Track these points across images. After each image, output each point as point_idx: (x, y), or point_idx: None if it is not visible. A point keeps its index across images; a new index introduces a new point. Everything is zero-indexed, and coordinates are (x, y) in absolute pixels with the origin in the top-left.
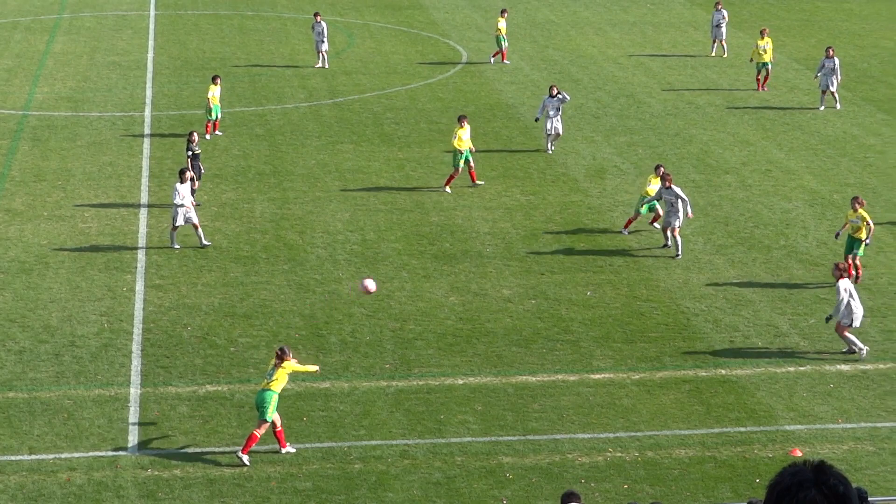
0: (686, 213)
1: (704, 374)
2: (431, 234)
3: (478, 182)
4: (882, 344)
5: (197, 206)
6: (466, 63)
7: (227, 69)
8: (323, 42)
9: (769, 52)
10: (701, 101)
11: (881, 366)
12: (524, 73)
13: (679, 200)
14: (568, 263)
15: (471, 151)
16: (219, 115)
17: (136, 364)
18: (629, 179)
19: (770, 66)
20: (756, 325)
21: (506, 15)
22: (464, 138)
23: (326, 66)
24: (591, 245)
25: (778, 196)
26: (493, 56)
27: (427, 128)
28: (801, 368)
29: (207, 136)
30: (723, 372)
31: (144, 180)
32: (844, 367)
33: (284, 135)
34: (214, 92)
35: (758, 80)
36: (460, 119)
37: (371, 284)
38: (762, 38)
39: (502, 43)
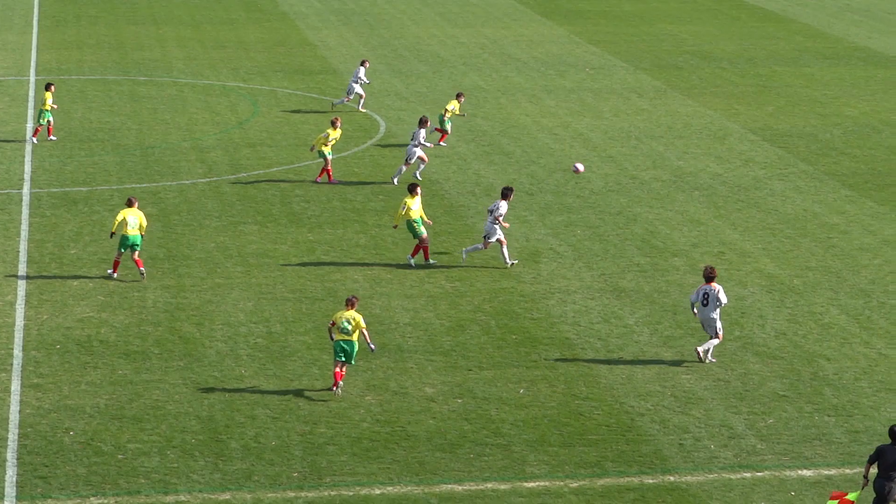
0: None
1: (651, 480)
2: None
3: (430, 260)
4: (848, 446)
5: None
6: (385, 134)
7: (116, 141)
8: (357, 83)
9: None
10: (646, 176)
11: (847, 471)
12: (449, 144)
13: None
14: (498, 358)
15: (422, 221)
16: (50, 120)
17: (10, 474)
18: (566, 264)
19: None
20: (708, 426)
21: (462, 99)
22: (413, 208)
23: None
24: (524, 336)
25: (732, 281)
26: (441, 140)
27: (340, 206)
28: (759, 474)
29: (35, 141)
30: (671, 479)
31: (22, 266)
32: (806, 473)
33: (180, 214)
34: (48, 99)
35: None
36: (411, 188)
37: (580, 166)
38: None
39: (446, 125)
